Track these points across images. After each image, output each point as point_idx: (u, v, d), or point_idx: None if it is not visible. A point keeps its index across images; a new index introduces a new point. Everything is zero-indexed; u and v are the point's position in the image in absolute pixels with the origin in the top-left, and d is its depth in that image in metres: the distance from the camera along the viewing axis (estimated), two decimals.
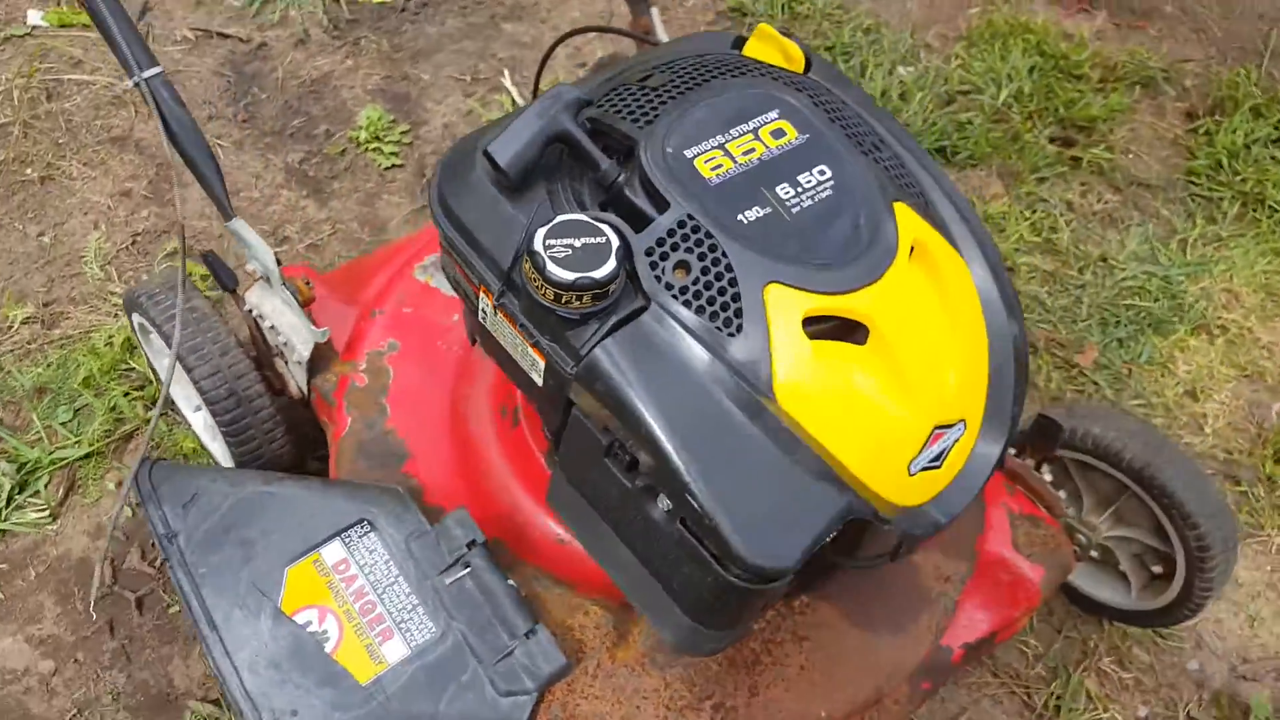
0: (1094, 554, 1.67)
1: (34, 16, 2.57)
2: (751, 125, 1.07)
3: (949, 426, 1.06)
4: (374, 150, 2.42)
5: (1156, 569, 1.64)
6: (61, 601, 1.76)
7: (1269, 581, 1.93)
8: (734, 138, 1.06)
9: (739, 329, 0.97)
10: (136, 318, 1.71)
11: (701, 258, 0.98)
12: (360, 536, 1.35)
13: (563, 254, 0.95)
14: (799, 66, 1.21)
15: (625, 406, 0.96)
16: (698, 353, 0.97)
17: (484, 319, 1.13)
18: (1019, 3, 2.86)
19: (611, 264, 0.95)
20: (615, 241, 0.97)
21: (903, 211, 1.08)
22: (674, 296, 0.98)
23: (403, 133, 2.46)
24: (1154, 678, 1.81)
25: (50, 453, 1.90)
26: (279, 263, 1.47)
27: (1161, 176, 2.52)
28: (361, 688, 1.24)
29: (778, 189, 1.04)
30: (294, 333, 1.52)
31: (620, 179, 1.04)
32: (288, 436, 1.63)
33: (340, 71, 2.57)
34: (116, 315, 2.09)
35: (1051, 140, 2.55)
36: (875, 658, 1.39)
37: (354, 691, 1.23)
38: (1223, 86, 2.66)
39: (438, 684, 1.24)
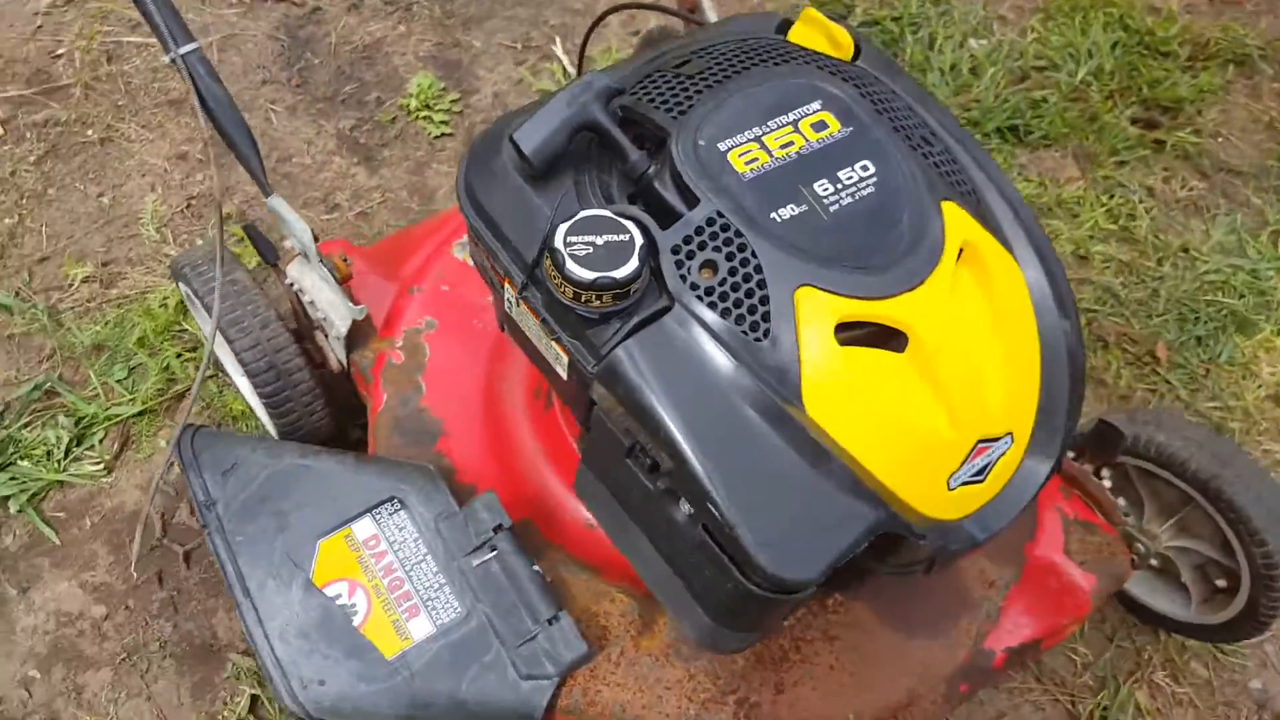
0: (1153, 563, 1.59)
1: None
2: (791, 117, 1.02)
3: (994, 440, 1.00)
4: (424, 119, 2.40)
5: (1220, 582, 1.55)
6: (114, 551, 1.81)
7: None
8: (771, 130, 1.00)
9: (766, 334, 0.93)
10: (183, 286, 1.73)
11: (730, 257, 0.94)
12: (391, 514, 1.36)
13: (583, 251, 0.92)
14: (847, 54, 1.14)
15: (645, 410, 0.93)
16: (722, 358, 0.93)
17: (509, 308, 1.10)
18: None
19: (634, 263, 0.91)
20: (639, 239, 0.92)
21: (952, 211, 1.02)
22: (699, 298, 0.94)
23: (453, 101, 2.44)
24: (1211, 695, 1.73)
25: (106, 409, 1.95)
26: (316, 239, 1.47)
27: (1254, 163, 2.38)
28: (387, 662, 1.26)
29: (816, 185, 0.98)
30: (332, 309, 1.52)
31: (650, 171, 1.00)
32: (327, 409, 1.64)
33: (392, 38, 2.55)
34: (171, 278, 2.12)
35: (1133, 121, 2.42)
36: (908, 660, 1.34)
37: (379, 665, 1.26)
38: None
39: (460, 663, 1.26)
